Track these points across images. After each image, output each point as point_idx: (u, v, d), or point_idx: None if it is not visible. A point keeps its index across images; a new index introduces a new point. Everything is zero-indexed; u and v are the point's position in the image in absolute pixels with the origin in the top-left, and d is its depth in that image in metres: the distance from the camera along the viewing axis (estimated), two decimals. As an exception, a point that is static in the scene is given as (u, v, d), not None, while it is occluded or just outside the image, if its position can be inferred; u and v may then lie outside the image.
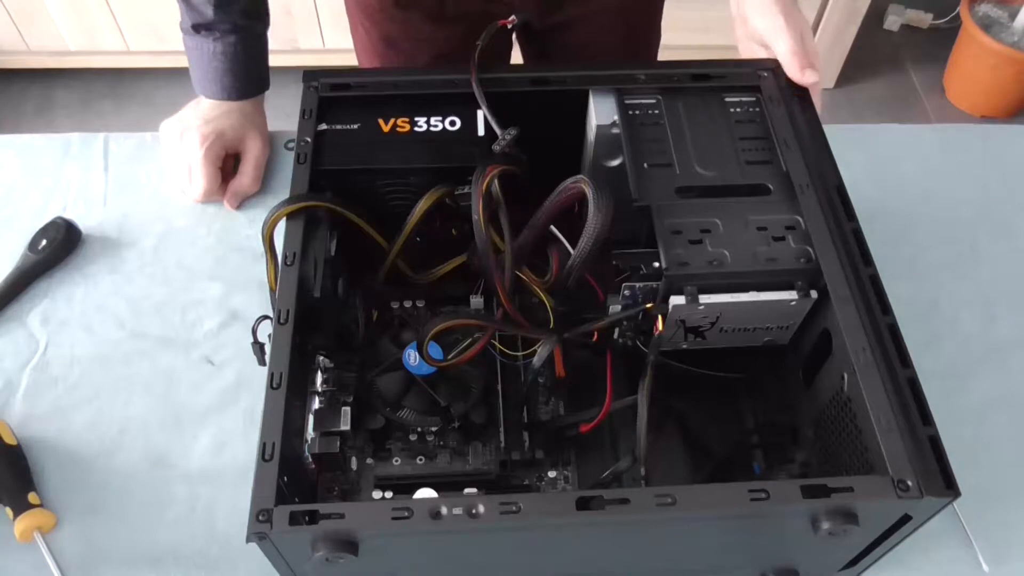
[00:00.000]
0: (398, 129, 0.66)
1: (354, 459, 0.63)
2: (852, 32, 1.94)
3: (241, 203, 0.85)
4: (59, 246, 0.80)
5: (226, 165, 0.86)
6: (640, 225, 0.61)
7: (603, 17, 0.97)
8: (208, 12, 0.79)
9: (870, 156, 0.90)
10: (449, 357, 0.62)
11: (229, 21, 0.80)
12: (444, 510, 0.47)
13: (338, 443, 0.60)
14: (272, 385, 0.52)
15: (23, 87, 2.09)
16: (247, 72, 0.83)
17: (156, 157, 0.88)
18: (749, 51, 0.74)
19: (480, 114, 0.66)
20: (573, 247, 0.60)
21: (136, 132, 0.91)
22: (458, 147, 0.65)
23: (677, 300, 0.58)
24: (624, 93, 0.67)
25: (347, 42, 1.91)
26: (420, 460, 0.64)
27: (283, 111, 0.90)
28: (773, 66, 0.69)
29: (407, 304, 0.72)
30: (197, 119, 0.84)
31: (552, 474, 0.65)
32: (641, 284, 0.60)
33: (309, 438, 0.60)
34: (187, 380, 0.74)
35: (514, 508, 0.47)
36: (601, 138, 0.67)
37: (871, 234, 0.60)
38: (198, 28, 0.80)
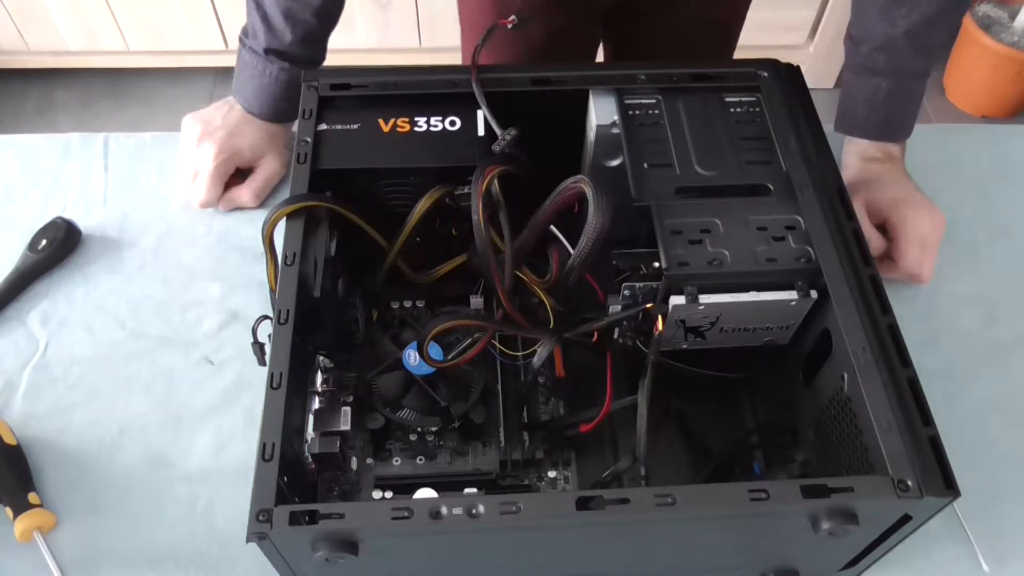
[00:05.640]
0: (398, 129, 0.66)
1: (354, 459, 0.63)
2: (852, 32, 1.94)
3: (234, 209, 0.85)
4: (59, 246, 0.80)
5: (235, 177, 0.85)
6: (640, 225, 0.61)
7: (694, 10, 0.99)
8: (295, 43, 0.78)
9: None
10: (449, 357, 0.62)
11: (306, 55, 0.80)
12: (444, 510, 0.47)
13: (338, 443, 0.60)
14: (272, 385, 0.52)
15: (23, 87, 2.09)
16: (298, 99, 0.82)
17: (156, 157, 0.88)
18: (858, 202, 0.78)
19: (480, 114, 0.66)
20: (573, 247, 0.60)
21: (136, 132, 0.91)
22: (458, 147, 0.65)
23: (677, 300, 0.58)
24: (624, 93, 0.67)
25: (347, 42, 1.91)
26: (420, 460, 0.64)
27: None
28: (773, 65, 0.69)
29: (407, 304, 0.72)
30: (222, 129, 0.82)
31: (552, 474, 0.65)
32: (641, 284, 0.60)
33: (309, 438, 0.60)
34: (187, 380, 0.73)
35: (514, 508, 0.47)
36: (601, 138, 0.67)
37: (871, 234, 0.60)
38: (271, 52, 0.79)
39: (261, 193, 0.85)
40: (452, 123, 0.66)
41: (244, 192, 0.84)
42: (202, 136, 0.83)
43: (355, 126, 0.66)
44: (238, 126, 0.83)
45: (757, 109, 0.67)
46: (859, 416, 0.54)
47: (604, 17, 1.04)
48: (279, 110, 0.83)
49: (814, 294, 0.58)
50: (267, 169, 0.85)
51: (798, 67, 0.71)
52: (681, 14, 1.00)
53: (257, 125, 0.84)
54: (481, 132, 0.65)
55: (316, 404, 0.63)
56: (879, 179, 0.80)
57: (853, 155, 0.82)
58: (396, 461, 0.64)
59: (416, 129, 0.66)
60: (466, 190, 0.62)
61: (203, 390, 0.73)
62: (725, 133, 0.66)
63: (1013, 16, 1.95)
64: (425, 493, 0.57)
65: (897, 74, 0.77)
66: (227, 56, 0.84)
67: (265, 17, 0.78)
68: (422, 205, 0.63)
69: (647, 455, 0.56)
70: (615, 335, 0.64)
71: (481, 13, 0.97)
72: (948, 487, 0.49)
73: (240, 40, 0.82)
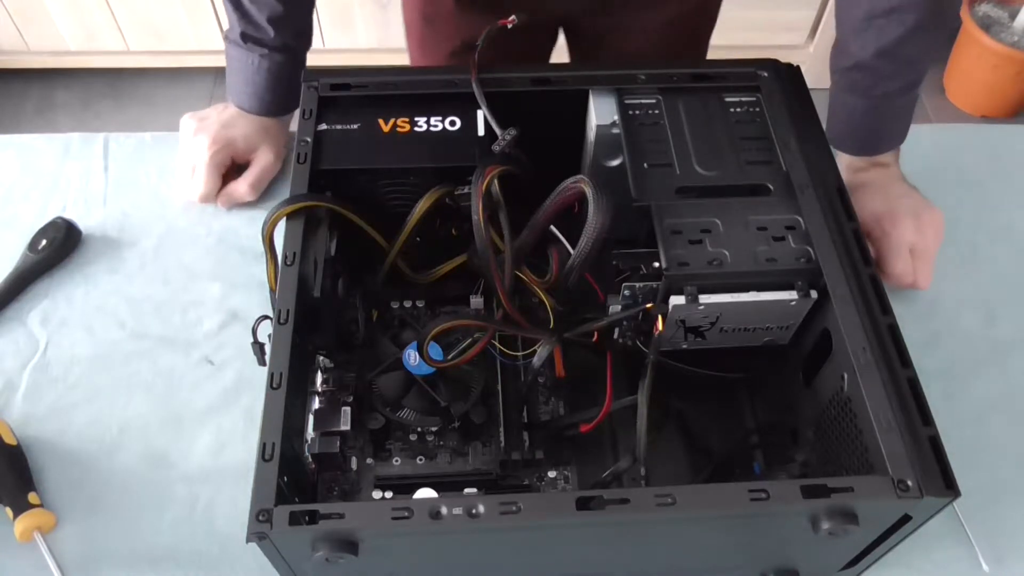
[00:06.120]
0: (398, 129, 0.66)
1: (354, 459, 0.63)
2: (852, 32, 1.94)
3: (234, 206, 0.85)
4: (59, 246, 0.80)
5: (231, 173, 0.86)
6: (640, 225, 0.61)
7: (652, 27, 0.96)
8: (265, 26, 0.79)
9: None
10: (449, 358, 0.62)
11: (281, 39, 0.80)
12: (444, 510, 0.47)
13: (338, 443, 0.60)
14: (272, 385, 0.52)
15: (23, 87, 2.09)
16: (286, 91, 0.83)
17: (156, 157, 0.88)
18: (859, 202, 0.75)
19: (480, 114, 0.66)
20: (573, 247, 0.60)
21: (136, 132, 0.91)
22: (458, 147, 0.65)
23: (677, 300, 0.58)
24: (624, 93, 0.67)
25: (347, 42, 1.91)
26: (420, 460, 0.64)
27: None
28: (773, 66, 0.69)
29: (407, 304, 0.72)
30: (216, 123, 0.84)
31: (552, 474, 0.65)
32: (641, 284, 0.60)
33: (309, 438, 0.60)
34: (187, 380, 0.74)
35: (514, 508, 0.47)
36: (601, 138, 0.67)
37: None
38: (247, 38, 0.80)
39: (258, 186, 0.85)
40: (452, 123, 0.66)
41: (241, 185, 0.84)
42: (197, 131, 0.84)
43: (355, 126, 0.66)
44: (231, 119, 0.85)
45: (757, 109, 0.67)
46: (859, 416, 0.54)
47: (565, 32, 1.03)
48: (265, 102, 0.84)
49: (814, 294, 0.58)
50: (262, 161, 0.85)
51: (798, 67, 0.71)
52: (631, 38, 0.97)
53: (250, 119, 0.85)
54: (481, 132, 0.65)
55: (316, 404, 0.63)
56: (865, 188, 0.79)
57: (841, 165, 0.81)
58: (396, 461, 0.64)
59: (416, 129, 0.66)
60: (466, 190, 0.62)
61: (203, 390, 0.73)
62: (725, 133, 0.66)
63: (1013, 16, 1.95)
64: (425, 493, 0.57)
65: (872, 94, 0.76)
66: (227, 56, 0.85)
67: (238, 4, 0.79)
68: (422, 205, 0.63)
69: (647, 455, 0.56)
70: (615, 335, 0.64)
71: (413, 19, 1.00)
72: (948, 487, 0.49)
73: (225, 38, 0.83)
